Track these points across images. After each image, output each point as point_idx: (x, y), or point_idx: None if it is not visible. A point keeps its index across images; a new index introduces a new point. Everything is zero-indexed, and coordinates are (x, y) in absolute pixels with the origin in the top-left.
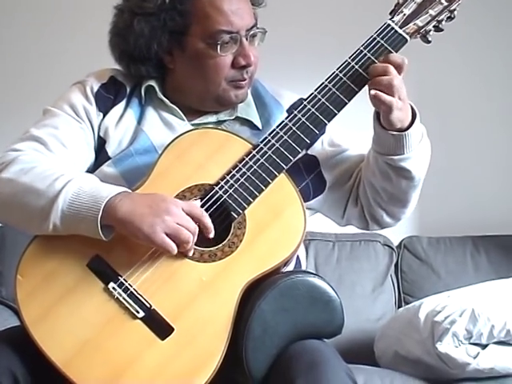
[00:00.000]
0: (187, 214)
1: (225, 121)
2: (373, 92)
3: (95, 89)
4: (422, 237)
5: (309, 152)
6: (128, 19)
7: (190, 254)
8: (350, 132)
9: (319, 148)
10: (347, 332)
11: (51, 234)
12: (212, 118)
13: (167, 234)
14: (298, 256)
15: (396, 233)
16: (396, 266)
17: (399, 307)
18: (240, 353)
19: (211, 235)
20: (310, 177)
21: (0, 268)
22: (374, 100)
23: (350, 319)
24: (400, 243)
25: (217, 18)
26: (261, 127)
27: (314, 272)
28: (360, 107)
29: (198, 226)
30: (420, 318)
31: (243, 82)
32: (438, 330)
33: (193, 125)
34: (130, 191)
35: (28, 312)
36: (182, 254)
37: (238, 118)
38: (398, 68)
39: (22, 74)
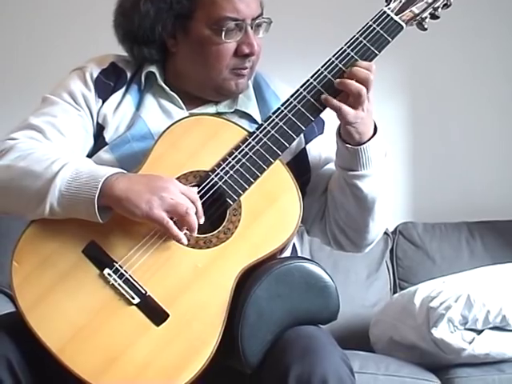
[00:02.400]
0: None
1: (224, 113)
2: (337, 104)
3: (95, 75)
4: (417, 223)
5: (307, 147)
6: (134, 0)
7: (184, 241)
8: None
9: (316, 154)
10: (342, 318)
11: (48, 218)
12: (211, 110)
13: (165, 211)
14: (293, 243)
15: (391, 219)
16: (391, 251)
17: (394, 293)
18: (235, 339)
19: (201, 221)
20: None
21: None
22: (338, 111)
23: (345, 305)
24: (395, 229)
25: (223, 4)
26: (260, 122)
27: (309, 258)
28: None
29: None
30: (415, 304)
31: (245, 71)
32: (433, 316)
33: (191, 114)
34: (126, 172)
35: (23, 298)
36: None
37: (237, 111)
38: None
39: (18, 61)
